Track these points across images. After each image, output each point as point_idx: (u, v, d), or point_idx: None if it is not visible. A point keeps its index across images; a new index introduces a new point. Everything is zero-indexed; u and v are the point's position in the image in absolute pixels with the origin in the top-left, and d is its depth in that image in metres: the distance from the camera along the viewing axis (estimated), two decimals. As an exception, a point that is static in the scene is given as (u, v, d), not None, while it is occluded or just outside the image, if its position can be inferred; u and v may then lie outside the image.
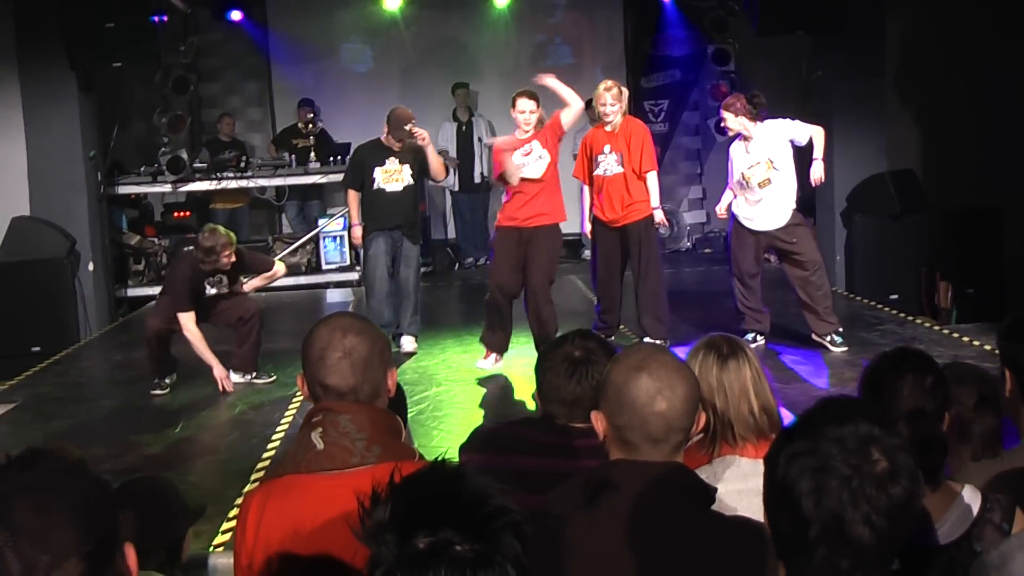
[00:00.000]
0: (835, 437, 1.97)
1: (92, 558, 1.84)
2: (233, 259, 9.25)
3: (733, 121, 9.67)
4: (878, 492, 1.93)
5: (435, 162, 10.29)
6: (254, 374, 9.74)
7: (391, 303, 10.43)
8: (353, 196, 10.55)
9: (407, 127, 10.06)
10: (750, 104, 9.68)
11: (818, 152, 9.53)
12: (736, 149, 9.84)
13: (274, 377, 9.70)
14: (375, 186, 10.24)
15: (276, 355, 10.29)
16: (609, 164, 9.72)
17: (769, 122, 9.68)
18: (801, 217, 9.93)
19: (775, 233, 9.71)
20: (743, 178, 9.68)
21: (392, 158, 10.22)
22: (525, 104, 9.51)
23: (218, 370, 9.41)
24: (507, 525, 1.82)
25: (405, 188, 10.26)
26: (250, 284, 9.90)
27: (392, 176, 10.22)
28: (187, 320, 9.21)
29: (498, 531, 1.81)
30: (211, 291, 9.42)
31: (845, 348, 9.71)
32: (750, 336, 9.75)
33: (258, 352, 9.83)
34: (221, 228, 9.43)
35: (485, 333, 9.85)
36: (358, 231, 10.53)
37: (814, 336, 9.85)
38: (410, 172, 10.25)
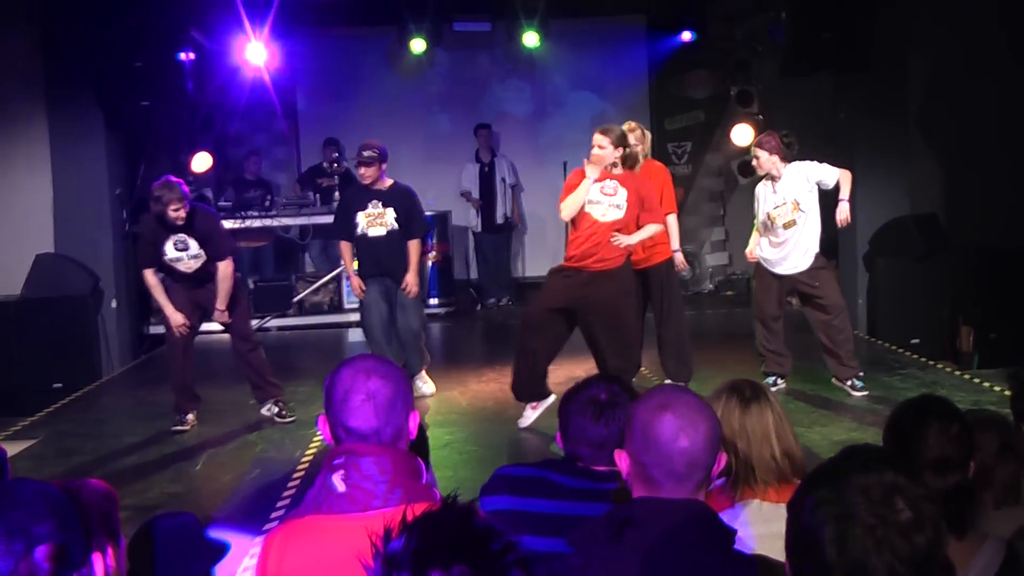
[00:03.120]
0: (860, 486, 1.97)
1: (61, 549, 2.01)
2: (183, 213, 9.05)
3: (767, 159, 9.59)
4: (902, 542, 1.93)
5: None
6: (279, 408, 9.71)
7: (391, 351, 10.06)
8: (345, 247, 10.27)
9: (365, 153, 9.82)
10: (783, 143, 9.67)
11: (844, 193, 9.51)
12: (763, 189, 9.80)
13: (294, 418, 9.69)
14: (358, 231, 9.97)
15: (299, 394, 10.33)
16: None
17: (796, 163, 9.65)
18: (824, 260, 9.91)
19: (798, 276, 9.69)
20: (768, 218, 9.66)
21: (375, 200, 9.94)
22: (596, 139, 8.70)
23: (171, 316, 9.32)
24: (517, 561, 1.85)
25: (389, 233, 9.92)
26: (220, 300, 9.47)
27: (375, 220, 9.92)
28: (147, 274, 9.37)
29: (509, 567, 1.84)
30: (175, 254, 9.25)
31: (866, 392, 9.68)
32: (771, 379, 9.73)
33: (265, 375, 9.76)
34: (175, 183, 9.18)
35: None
36: (356, 281, 10.16)
37: (835, 381, 9.83)
38: (394, 216, 9.92)
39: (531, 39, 15.85)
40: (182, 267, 9.33)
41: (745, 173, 16.51)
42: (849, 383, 9.74)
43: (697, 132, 17.25)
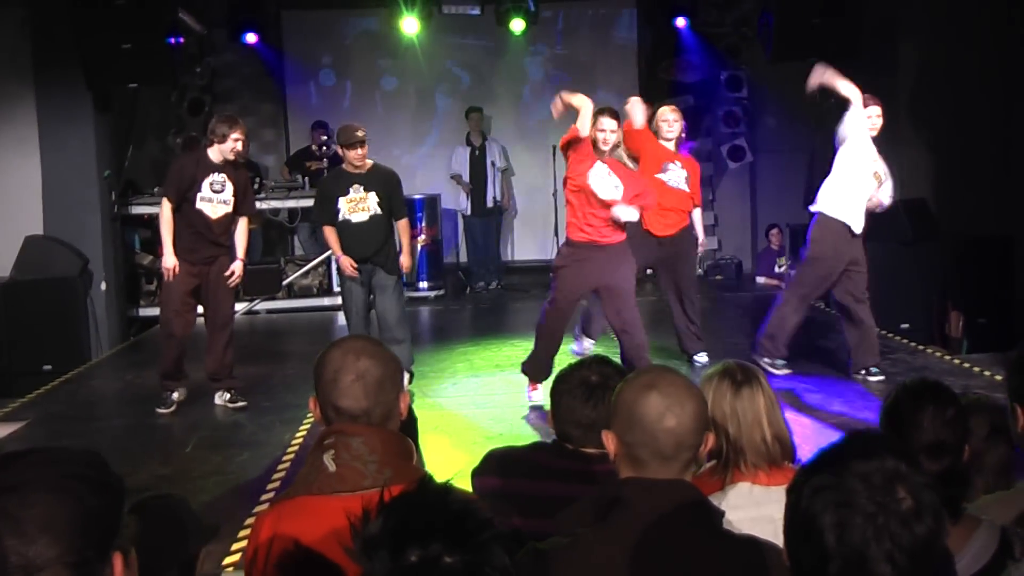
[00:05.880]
0: (861, 473, 1.96)
1: (76, 568, 1.87)
2: (240, 147, 9.39)
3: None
4: (902, 530, 1.92)
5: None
6: (232, 394, 9.66)
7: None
8: (329, 231, 9.91)
9: (360, 133, 9.59)
10: None
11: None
12: (870, 144, 9.57)
13: (245, 403, 9.64)
14: (340, 217, 9.69)
15: (288, 377, 10.31)
16: (677, 178, 10.07)
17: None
18: None
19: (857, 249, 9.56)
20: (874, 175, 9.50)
21: (356, 185, 9.67)
22: (609, 123, 8.80)
23: (167, 259, 9.31)
24: (494, 537, 1.87)
25: (372, 218, 9.66)
26: (240, 249, 9.65)
27: (357, 205, 9.66)
28: (165, 204, 9.41)
29: (486, 543, 1.86)
30: (209, 194, 9.30)
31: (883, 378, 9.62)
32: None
33: (232, 368, 9.73)
34: (242, 121, 9.62)
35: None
36: (345, 260, 9.88)
37: (859, 376, 9.71)
38: (376, 200, 9.66)
39: (518, 25, 15.82)
40: (208, 211, 9.33)
41: (735, 157, 16.56)
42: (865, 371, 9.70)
43: (687, 116, 17.21)
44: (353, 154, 9.65)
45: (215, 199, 9.35)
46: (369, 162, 9.79)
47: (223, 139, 9.26)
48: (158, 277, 12.22)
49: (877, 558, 1.91)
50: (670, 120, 10.18)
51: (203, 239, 9.39)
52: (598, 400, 3.52)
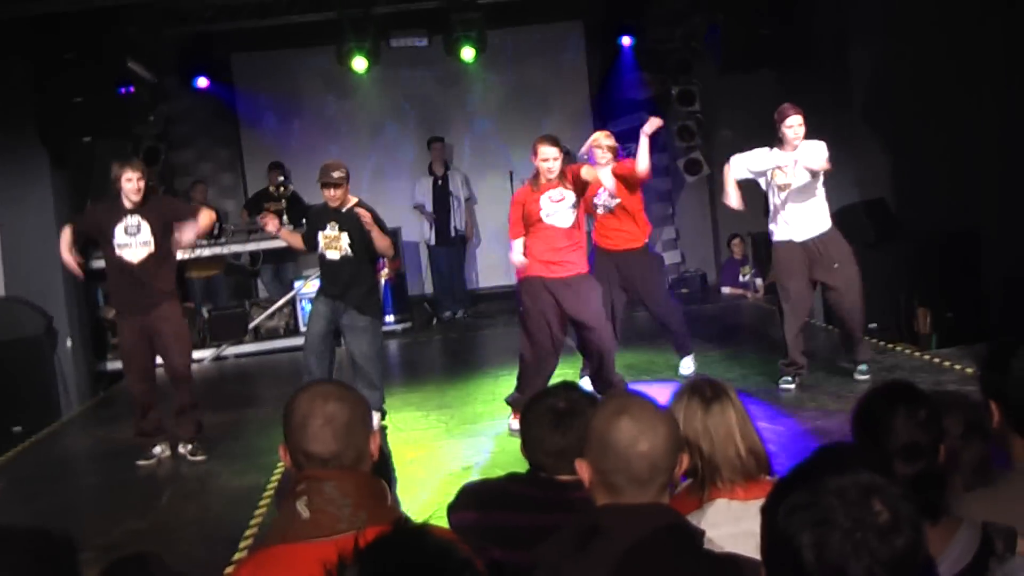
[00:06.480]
0: (835, 488, 1.94)
1: None
2: (140, 185, 9.16)
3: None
4: (881, 544, 1.90)
5: (380, 241, 9.51)
6: (191, 446, 9.50)
7: (321, 363, 9.65)
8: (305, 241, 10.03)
9: (335, 174, 9.44)
10: None
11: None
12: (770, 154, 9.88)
13: (204, 457, 9.46)
14: (318, 251, 9.68)
15: (259, 422, 10.25)
16: (607, 200, 10.06)
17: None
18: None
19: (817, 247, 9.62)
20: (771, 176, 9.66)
21: (333, 223, 9.55)
22: (548, 151, 8.87)
23: (67, 259, 9.32)
24: None
25: (342, 258, 9.54)
26: (185, 236, 9.47)
27: (330, 243, 9.56)
28: (66, 227, 9.47)
29: None
30: (125, 239, 9.19)
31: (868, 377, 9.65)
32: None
33: (193, 416, 9.57)
34: (136, 159, 9.74)
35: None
36: (279, 228, 10.10)
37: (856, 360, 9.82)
38: (348, 241, 9.52)
39: (467, 53, 15.83)
40: (128, 256, 9.19)
41: (692, 171, 16.61)
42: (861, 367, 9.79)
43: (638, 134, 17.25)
44: (326, 193, 9.54)
45: (132, 243, 9.21)
46: (352, 200, 9.63)
47: (117, 182, 9.19)
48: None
49: (857, 573, 1.89)
50: (604, 147, 10.07)
51: (133, 286, 9.26)
52: (567, 427, 3.50)
